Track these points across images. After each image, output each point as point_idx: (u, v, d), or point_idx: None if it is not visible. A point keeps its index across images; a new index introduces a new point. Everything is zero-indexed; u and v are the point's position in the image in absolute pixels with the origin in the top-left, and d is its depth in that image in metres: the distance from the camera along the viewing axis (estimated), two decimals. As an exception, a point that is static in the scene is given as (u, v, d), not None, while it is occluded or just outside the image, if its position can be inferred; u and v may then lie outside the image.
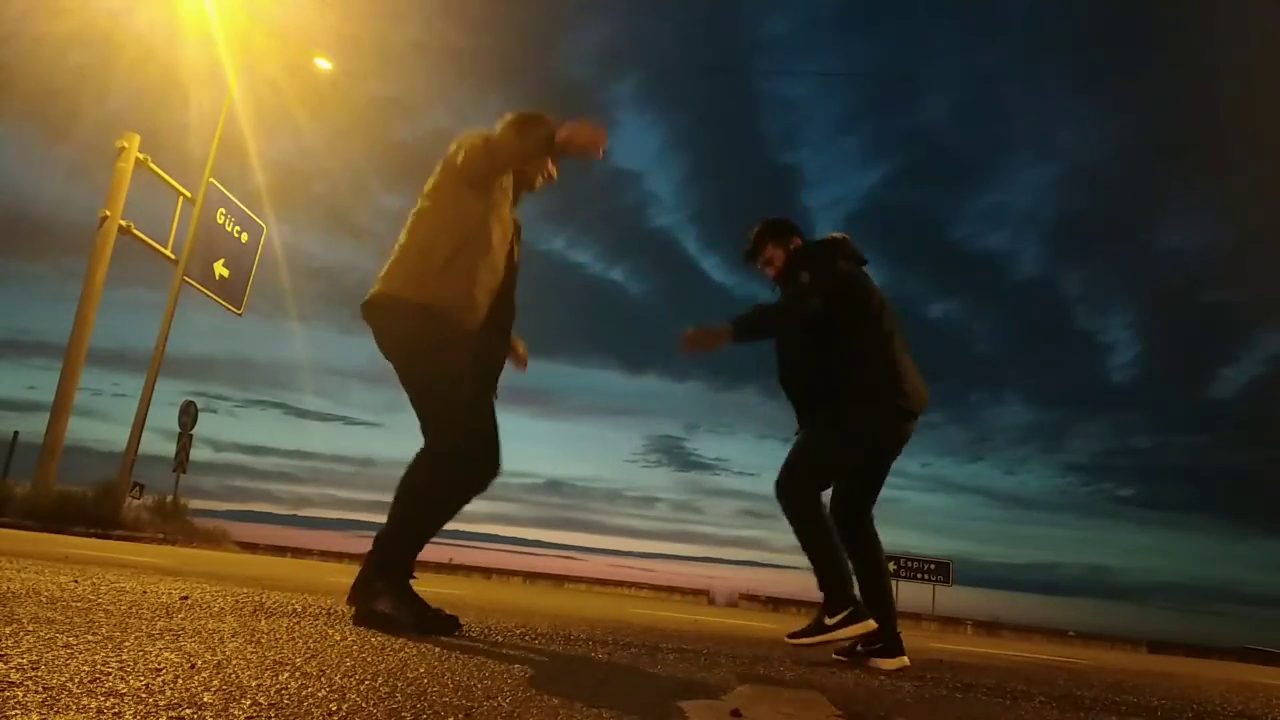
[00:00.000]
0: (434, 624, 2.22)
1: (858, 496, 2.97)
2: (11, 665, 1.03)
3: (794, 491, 2.91)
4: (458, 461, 2.38)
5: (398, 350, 2.40)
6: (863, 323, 2.84)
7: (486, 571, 14.81)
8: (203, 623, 1.75)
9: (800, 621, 3.18)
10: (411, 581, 2.35)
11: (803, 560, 3.00)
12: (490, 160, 2.37)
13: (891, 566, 16.46)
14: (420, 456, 2.35)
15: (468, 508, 2.56)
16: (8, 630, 1.32)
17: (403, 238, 2.45)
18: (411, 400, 2.41)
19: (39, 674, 1.00)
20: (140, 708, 0.89)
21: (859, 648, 2.80)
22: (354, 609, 2.26)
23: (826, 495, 2.95)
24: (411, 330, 2.35)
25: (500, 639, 2.18)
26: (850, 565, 2.90)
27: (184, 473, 13.70)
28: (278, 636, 1.67)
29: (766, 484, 3.30)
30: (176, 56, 12.45)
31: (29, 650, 1.16)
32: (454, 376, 2.38)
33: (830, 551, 2.82)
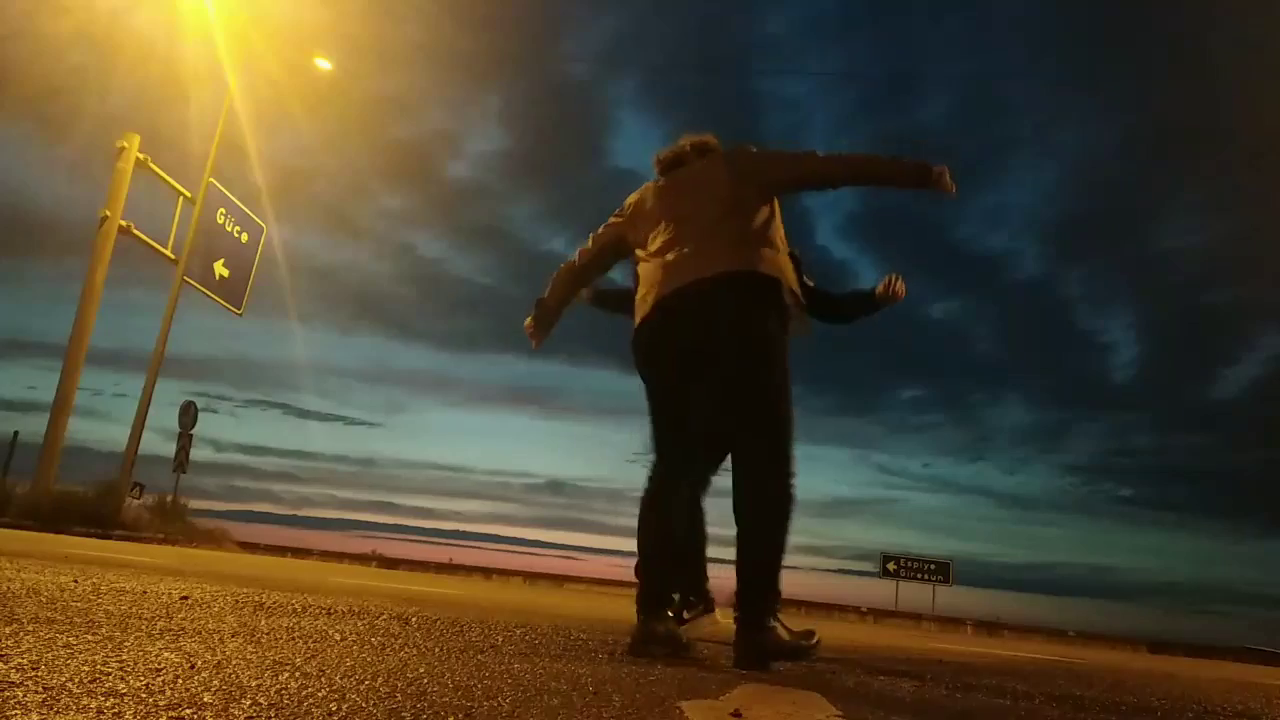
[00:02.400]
0: (814, 646, 2.19)
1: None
2: (11, 665, 1.03)
3: None
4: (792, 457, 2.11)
5: (736, 330, 2.09)
6: None
7: (487, 571, 14.78)
8: (203, 623, 1.75)
9: (800, 620, 3.18)
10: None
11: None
12: (843, 174, 2.24)
13: (891, 566, 16.46)
14: (766, 471, 2.09)
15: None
16: (8, 630, 1.32)
17: (715, 221, 2.20)
18: (737, 400, 2.11)
19: (39, 674, 1.00)
20: (140, 708, 0.89)
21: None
22: (745, 655, 1.99)
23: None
24: (763, 302, 2.10)
25: (500, 639, 2.18)
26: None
27: (184, 473, 13.71)
28: (278, 636, 1.67)
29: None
30: (176, 56, 12.46)
31: (29, 650, 1.16)
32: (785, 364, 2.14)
33: None
